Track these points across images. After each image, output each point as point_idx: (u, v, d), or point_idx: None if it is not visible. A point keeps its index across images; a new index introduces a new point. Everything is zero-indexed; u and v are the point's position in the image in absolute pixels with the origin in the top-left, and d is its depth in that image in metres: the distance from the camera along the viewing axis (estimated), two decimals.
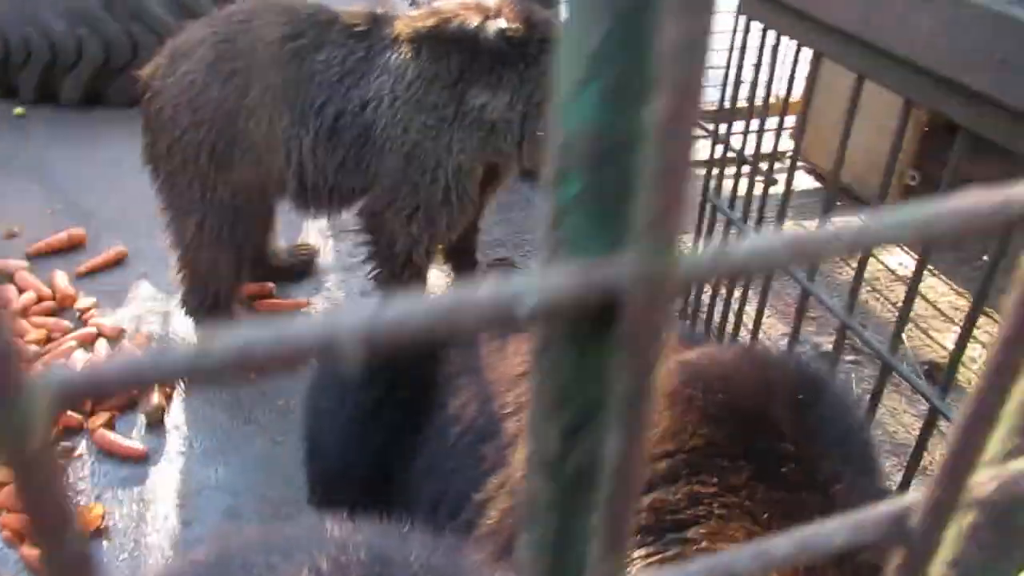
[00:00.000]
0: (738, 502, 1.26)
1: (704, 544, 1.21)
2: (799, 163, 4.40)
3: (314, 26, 2.69)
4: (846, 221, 0.21)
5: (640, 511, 1.32)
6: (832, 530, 0.24)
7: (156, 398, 2.73)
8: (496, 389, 1.78)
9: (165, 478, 2.55)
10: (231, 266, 2.90)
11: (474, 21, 2.67)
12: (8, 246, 3.55)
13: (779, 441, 1.31)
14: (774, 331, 3.26)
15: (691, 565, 0.24)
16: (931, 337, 3.22)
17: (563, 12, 0.19)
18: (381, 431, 1.94)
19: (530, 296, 0.20)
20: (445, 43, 2.64)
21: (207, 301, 2.93)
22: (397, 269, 2.84)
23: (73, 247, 3.54)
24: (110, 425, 2.68)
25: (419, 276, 2.88)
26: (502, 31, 2.65)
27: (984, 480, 0.25)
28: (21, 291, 3.20)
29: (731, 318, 2.90)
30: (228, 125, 2.68)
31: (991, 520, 0.29)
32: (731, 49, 2.60)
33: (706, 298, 3.03)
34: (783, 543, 0.24)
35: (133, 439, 2.66)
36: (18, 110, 4.69)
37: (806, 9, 2.01)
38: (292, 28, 2.68)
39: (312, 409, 2.14)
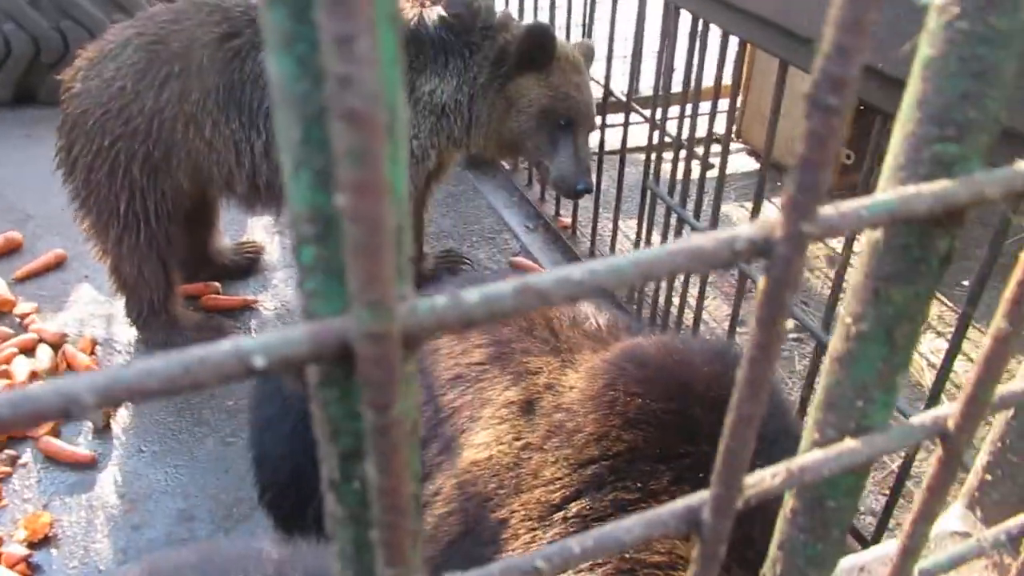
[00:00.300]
0: (638, 497, 1.30)
1: (630, 554, 1.23)
2: (741, 145, 4.52)
3: (250, 24, 2.64)
4: (577, 267, 0.24)
5: (568, 518, 1.35)
6: (629, 526, 0.27)
7: None
8: (431, 394, 1.80)
9: (114, 483, 2.52)
10: (158, 275, 2.85)
11: (412, 13, 2.70)
12: None
13: (697, 443, 1.33)
14: (719, 313, 3.34)
15: (493, 566, 0.26)
16: (918, 352, 3.32)
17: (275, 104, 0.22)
18: None
19: (260, 354, 0.22)
20: None
21: (143, 311, 2.90)
22: None
23: (10, 251, 3.46)
24: (55, 432, 2.64)
25: None
26: (442, 19, 2.70)
27: (765, 476, 0.28)
28: None
29: (675, 301, 2.97)
30: (165, 134, 2.62)
31: (807, 505, 0.32)
32: (663, 36, 2.65)
33: (651, 283, 3.09)
34: (582, 540, 0.27)
35: (80, 445, 2.63)
36: None
37: None
38: (228, 27, 2.63)
39: (257, 417, 2.13)
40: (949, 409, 0.30)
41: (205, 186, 2.76)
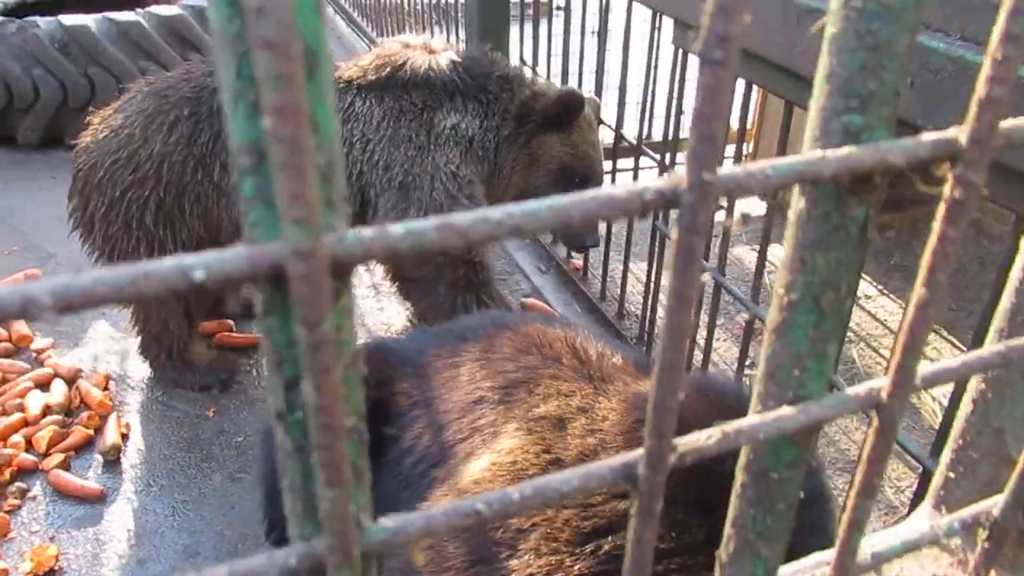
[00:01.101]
0: (672, 547, 1.29)
1: None
2: None
3: None
4: (496, 210, 0.26)
5: (599, 556, 1.34)
6: (567, 477, 0.28)
7: (112, 437, 2.72)
8: (449, 417, 1.80)
9: (121, 517, 2.53)
10: (182, 326, 2.88)
11: (422, 61, 2.77)
12: None
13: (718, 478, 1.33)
14: (729, 355, 3.33)
15: (437, 508, 0.28)
16: (882, 356, 3.30)
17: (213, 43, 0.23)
18: None
19: (200, 269, 0.24)
20: (404, 87, 2.75)
21: (160, 355, 2.93)
22: (460, 281, 2.88)
23: None
24: (65, 465, 2.66)
25: (482, 268, 2.93)
26: (453, 63, 2.77)
27: (700, 437, 0.29)
28: None
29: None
30: (175, 178, 2.60)
31: (753, 478, 0.33)
32: (672, 80, 2.70)
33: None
34: (522, 488, 0.28)
35: (88, 479, 2.64)
36: None
37: None
38: None
39: (268, 450, 2.13)
40: (882, 382, 0.31)
41: (216, 232, 2.74)
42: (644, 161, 3.16)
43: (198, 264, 0.24)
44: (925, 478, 1.97)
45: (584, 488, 0.28)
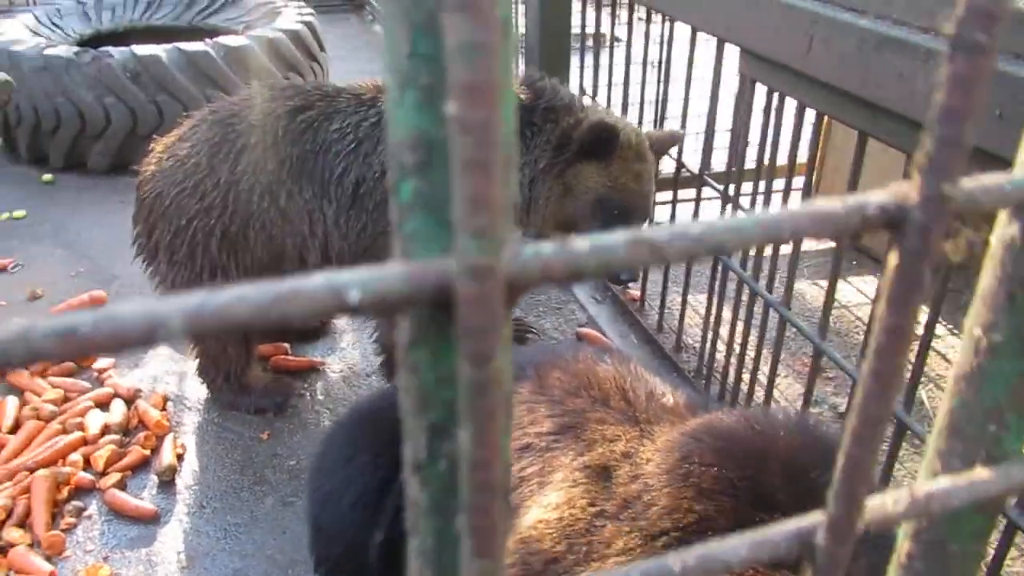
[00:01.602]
0: None
1: None
2: None
3: (322, 98, 2.71)
4: (693, 222, 0.22)
5: None
6: (735, 546, 0.24)
7: (168, 458, 2.74)
8: None
9: (174, 539, 2.53)
10: (240, 351, 2.90)
11: None
12: (32, 308, 3.62)
13: (772, 511, 1.28)
14: (791, 391, 3.22)
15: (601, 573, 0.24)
16: None
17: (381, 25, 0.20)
18: (388, 514, 1.91)
19: (356, 288, 0.20)
20: None
21: (218, 378, 2.96)
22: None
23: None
24: (121, 485, 2.68)
25: None
26: None
27: (886, 501, 0.25)
28: None
29: (746, 378, 2.87)
30: (242, 207, 2.64)
31: (925, 549, 0.28)
32: (736, 110, 2.65)
33: (720, 357, 3.01)
34: (684, 558, 0.24)
35: (144, 499, 2.65)
36: (46, 177, 4.84)
37: (805, 69, 2.04)
38: (301, 100, 2.69)
39: (317, 488, 2.11)
40: None
41: (278, 258, 2.76)
42: (705, 191, 3.09)
43: (352, 283, 0.20)
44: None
45: (754, 559, 0.24)
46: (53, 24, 5.58)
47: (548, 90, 2.81)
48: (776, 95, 2.37)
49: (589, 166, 2.75)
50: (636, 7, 3.71)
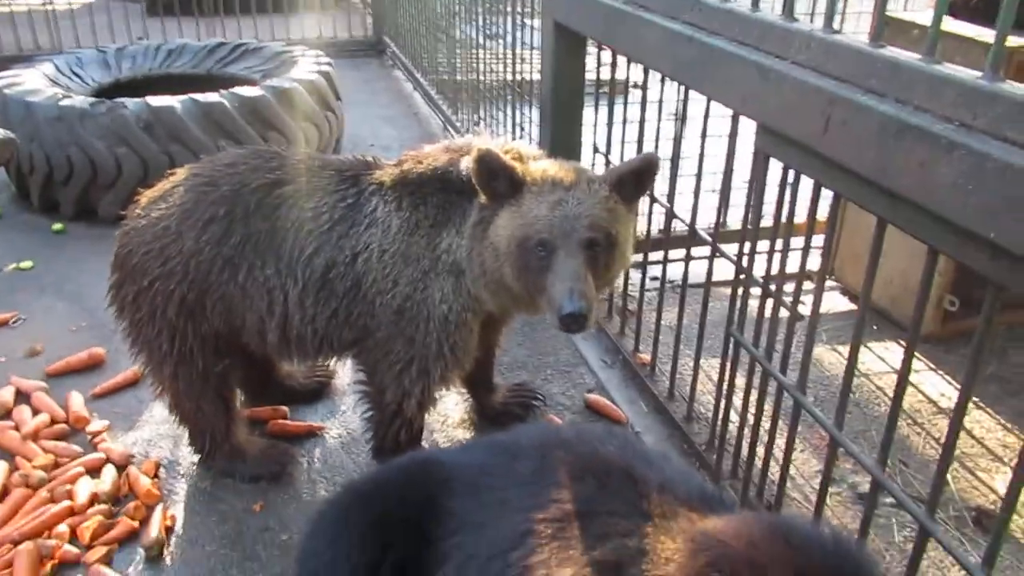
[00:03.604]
0: None
1: None
2: (834, 283, 4.31)
3: (305, 172, 2.62)
4: None
5: None
6: None
7: (156, 531, 2.64)
8: (497, 548, 1.66)
9: None
10: (217, 409, 2.81)
11: (443, 160, 2.57)
12: (30, 364, 3.56)
13: None
14: (807, 468, 3.07)
15: None
16: (978, 478, 3.00)
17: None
18: None
19: None
20: (422, 187, 2.55)
21: (206, 444, 2.87)
22: (386, 418, 2.73)
23: (93, 366, 3.54)
24: (107, 559, 2.58)
25: (409, 427, 2.75)
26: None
27: None
28: (36, 412, 3.19)
29: (760, 452, 2.74)
30: (201, 276, 2.57)
31: None
32: (752, 181, 2.55)
33: (733, 428, 2.88)
34: None
35: (129, 575, 2.55)
36: (57, 226, 4.83)
37: (821, 149, 1.94)
38: (283, 174, 2.60)
39: (303, 569, 2.01)
40: None
41: (237, 333, 2.68)
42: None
43: None
44: None
45: None
46: (73, 72, 5.62)
47: (520, 156, 2.55)
48: (792, 172, 2.27)
49: (504, 213, 2.40)
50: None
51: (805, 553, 1.29)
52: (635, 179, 2.47)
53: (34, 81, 5.16)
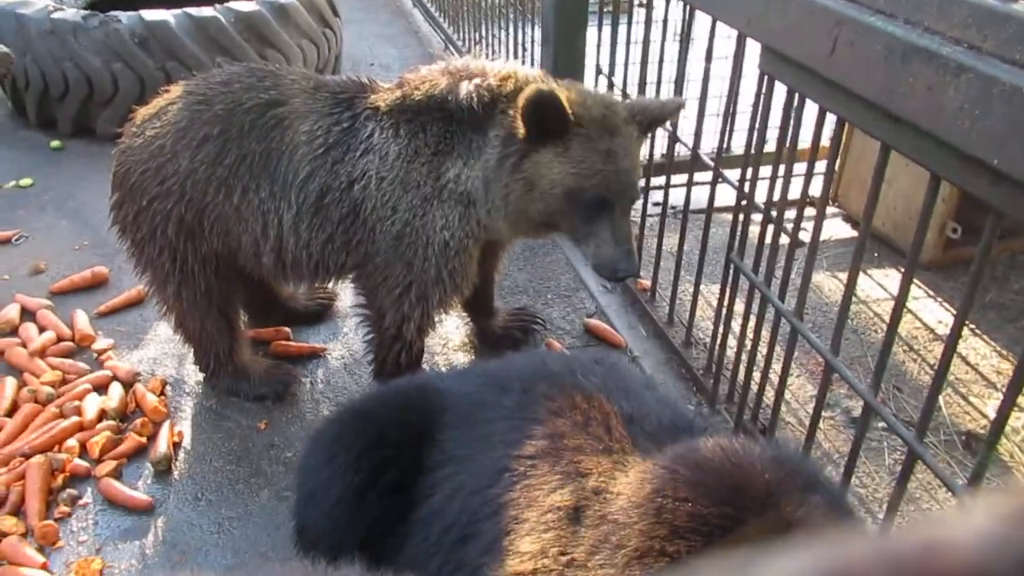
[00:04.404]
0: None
1: None
2: (837, 209, 4.28)
3: (299, 94, 2.57)
4: None
5: None
6: None
7: (164, 447, 2.71)
8: (478, 484, 1.71)
9: (168, 531, 2.51)
10: (221, 327, 2.83)
11: (442, 85, 2.49)
12: (34, 282, 3.59)
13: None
14: (803, 393, 3.12)
15: None
16: (970, 403, 3.05)
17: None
18: (367, 514, 1.87)
19: None
20: (420, 115, 2.49)
21: (211, 362, 2.91)
22: (386, 341, 2.75)
23: (97, 285, 3.56)
24: (117, 473, 2.66)
25: (409, 350, 2.77)
26: (474, 89, 2.42)
27: None
28: (42, 330, 3.22)
29: (756, 377, 2.78)
30: (197, 197, 2.55)
31: None
32: (756, 104, 2.51)
33: (731, 354, 2.91)
34: None
35: (138, 489, 2.63)
36: (55, 143, 4.79)
37: (827, 72, 1.91)
38: (277, 94, 2.55)
39: (300, 488, 2.08)
40: None
41: (235, 254, 2.68)
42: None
43: None
44: None
45: None
46: None
47: (517, 74, 2.49)
48: (796, 96, 2.23)
49: (546, 153, 2.37)
50: None
51: (746, 468, 1.34)
52: (657, 122, 2.62)
53: None
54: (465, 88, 2.44)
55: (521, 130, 2.36)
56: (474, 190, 2.50)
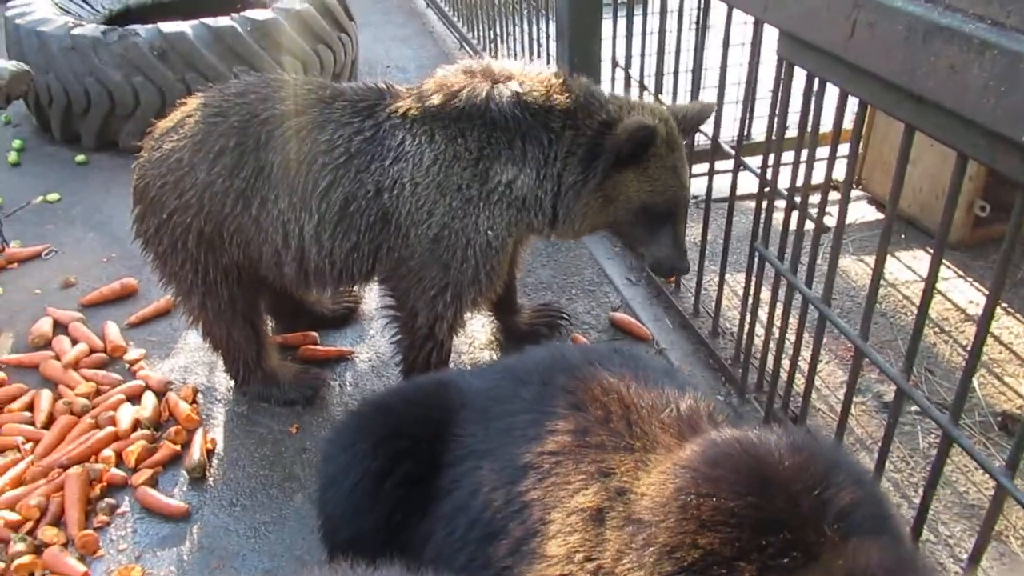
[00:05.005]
0: None
1: None
2: (861, 192, 4.23)
3: (317, 103, 2.57)
4: None
5: None
6: None
7: (198, 454, 2.74)
8: (501, 479, 1.71)
9: (205, 538, 2.54)
10: (247, 335, 2.86)
11: (483, 89, 2.49)
12: (65, 295, 3.64)
13: (779, 532, 1.24)
14: (832, 379, 3.09)
15: None
16: (1005, 383, 3.00)
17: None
18: (385, 501, 1.90)
19: None
20: (458, 121, 2.49)
21: (240, 370, 2.93)
22: (417, 341, 2.75)
23: (126, 296, 3.62)
24: (153, 481, 2.70)
25: (440, 349, 2.78)
26: (517, 96, 2.48)
27: None
28: (74, 342, 3.28)
29: (786, 365, 2.75)
30: (216, 209, 2.56)
31: None
32: (776, 90, 2.48)
33: (759, 342, 2.89)
34: None
35: (175, 496, 2.66)
36: (80, 158, 4.86)
37: (847, 55, 1.88)
38: (293, 104, 2.56)
39: (321, 475, 2.12)
40: None
41: (256, 265, 2.69)
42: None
43: None
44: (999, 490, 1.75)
45: None
46: (82, 0, 5.54)
47: (563, 84, 2.56)
48: (817, 80, 2.20)
49: (627, 173, 2.56)
50: None
51: (763, 458, 1.34)
52: (694, 126, 2.82)
53: (44, 10, 5.09)
54: (507, 96, 2.47)
55: (610, 157, 2.51)
56: (530, 195, 2.56)
